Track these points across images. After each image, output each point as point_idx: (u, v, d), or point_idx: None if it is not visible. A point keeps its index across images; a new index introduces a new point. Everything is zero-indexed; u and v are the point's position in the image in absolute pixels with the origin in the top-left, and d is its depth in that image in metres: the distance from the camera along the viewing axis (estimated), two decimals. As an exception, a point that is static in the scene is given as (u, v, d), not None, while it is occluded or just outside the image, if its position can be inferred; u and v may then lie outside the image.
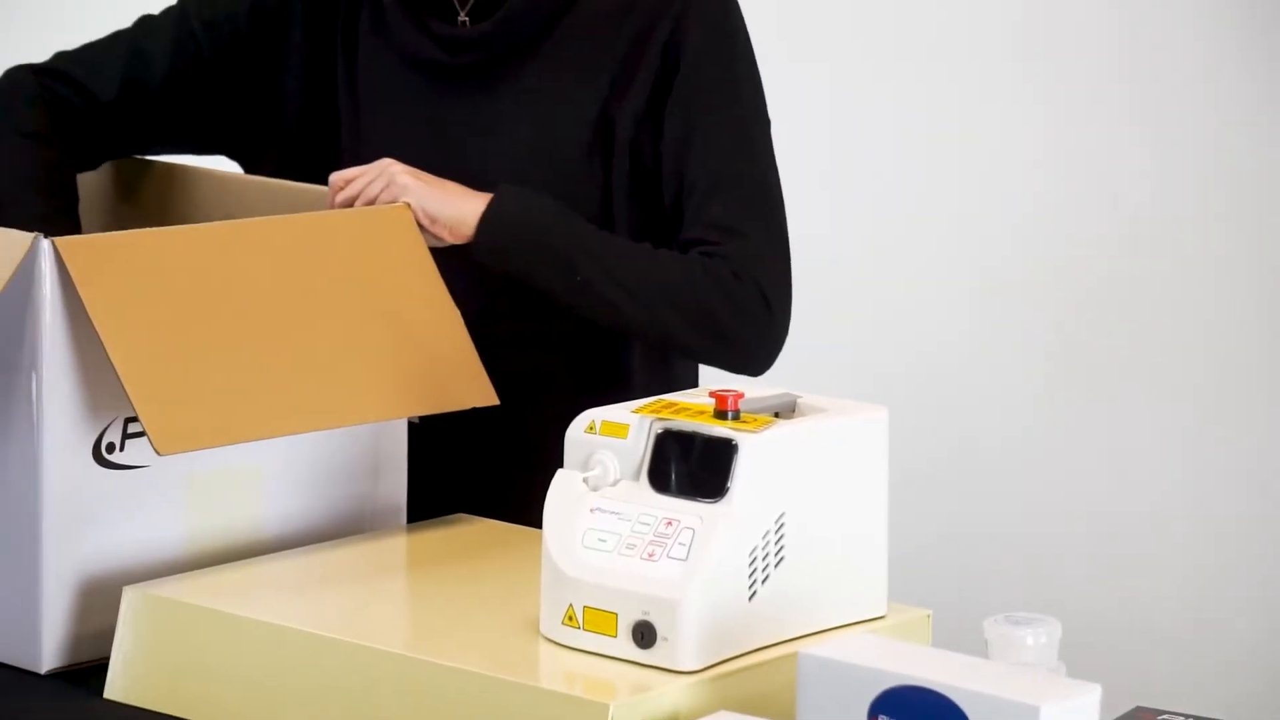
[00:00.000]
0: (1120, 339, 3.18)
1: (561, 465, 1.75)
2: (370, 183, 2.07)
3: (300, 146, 2.24)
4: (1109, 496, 3.17)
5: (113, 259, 1.87)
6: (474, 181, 2.11)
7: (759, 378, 2.13)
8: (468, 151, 2.14)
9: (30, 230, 1.84)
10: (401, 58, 2.18)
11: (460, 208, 2.07)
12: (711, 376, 2.20)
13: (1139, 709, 1.76)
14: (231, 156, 2.30)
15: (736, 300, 2.11)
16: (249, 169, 2.26)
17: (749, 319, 2.12)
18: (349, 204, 2.07)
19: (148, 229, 1.95)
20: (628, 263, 2.10)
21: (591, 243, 2.10)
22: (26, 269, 1.82)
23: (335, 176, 2.09)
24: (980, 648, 1.70)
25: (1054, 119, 3.23)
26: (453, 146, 2.15)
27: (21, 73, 2.23)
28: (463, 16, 2.15)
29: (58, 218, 2.13)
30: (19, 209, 2.12)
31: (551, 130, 2.15)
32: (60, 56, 2.25)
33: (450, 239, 2.08)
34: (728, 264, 2.11)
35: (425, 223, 2.06)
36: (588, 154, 2.15)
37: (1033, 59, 3.23)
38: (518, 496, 2.09)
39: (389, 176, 2.07)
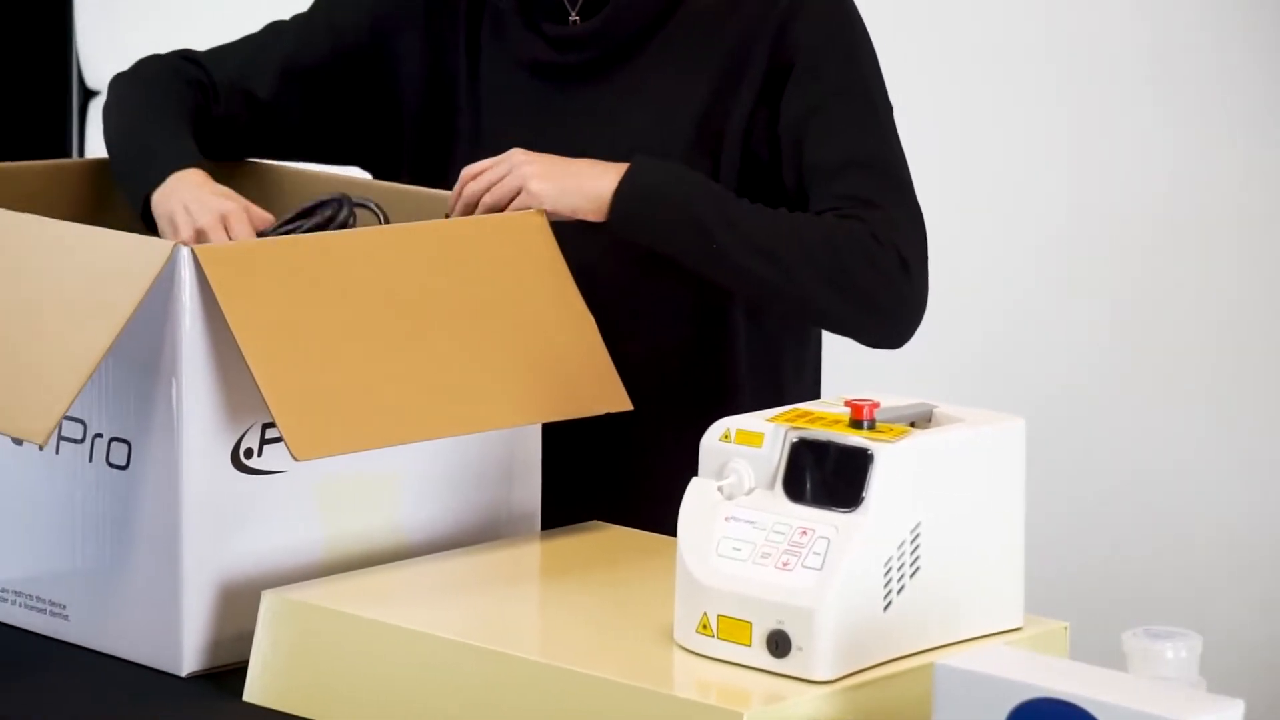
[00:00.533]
0: (1259, 346, 3.15)
1: (695, 473, 1.75)
2: (496, 172, 2.08)
3: (422, 154, 2.25)
4: (1251, 508, 3.13)
5: (251, 266, 1.89)
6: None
7: (893, 387, 2.11)
8: (580, 148, 2.14)
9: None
10: (518, 61, 2.20)
11: (592, 183, 2.08)
12: (836, 382, 2.20)
13: (1280, 723, 1.75)
14: (363, 167, 2.32)
15: (876, 262, 2.10)
16: (380, 178, 2.27)
17: (889, 281, 2.10)
18: (475, 197, 2.08)
19: (285, 236, 1.97)
20: (767, 227, 2.09)
21: (729, 208, 2.10)
22: (167, 276, 1.84)
23: (465, 170, 2.10)
24: (1119, 661, 1.69)
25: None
26: (565, 144, 2.15)
27: (163, 59, 2.27)
28: (573, 16, 2.16)
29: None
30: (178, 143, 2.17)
31: (660, 125, 2.16)
32: (189, 53, 2.28)
33: (586, 216, 2.09)
34: (866, 227, 2.10)
35: (553, 203, 2.07)
36: (696, 148, 2.16)
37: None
38: (651, 504, 2.09)
39: (511, 164, 2.08)
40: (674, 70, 2.16)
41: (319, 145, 2.30)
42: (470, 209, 2.10)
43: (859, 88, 2.16)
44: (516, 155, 2.10)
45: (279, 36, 2.28)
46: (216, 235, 2.03)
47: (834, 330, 2.20)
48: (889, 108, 2.19)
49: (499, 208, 2.08)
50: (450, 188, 2.15)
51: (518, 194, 2.08)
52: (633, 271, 2.16)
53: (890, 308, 2.12)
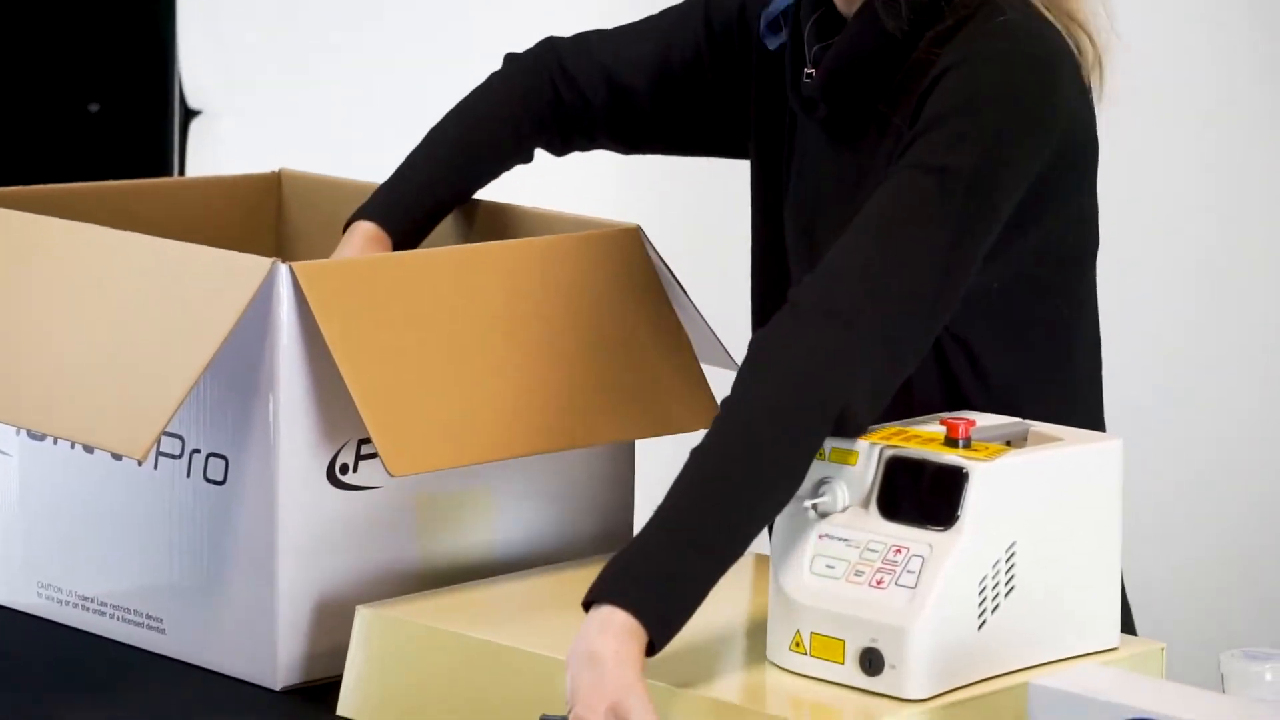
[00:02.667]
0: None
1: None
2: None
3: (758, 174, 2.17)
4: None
5: (348, 283, 1.90)
6: (831, 223, 1.94)
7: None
8: (832, 202, 2.02)
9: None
10: (800, 110, 2.08)
11: (618, 649, 1.67)
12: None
13: (1379, 747, 1.73)
14: (714, 155, 2.26)
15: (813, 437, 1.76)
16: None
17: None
18: None
19: (382, 254, 1.98)
20: (725, 516, 1.73)
21: (683, 547, 1.72)
22: (265, 293, 1.85)
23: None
24: (1216, 683, 1.68)
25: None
26: (826, 196, 2.03)
27: (550, 50, 2.24)
28: (808, 69, 2.03)
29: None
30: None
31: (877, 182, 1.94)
32: (577, 39, 2.25)
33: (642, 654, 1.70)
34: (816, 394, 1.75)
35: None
36: None
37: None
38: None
39: (596, 701, 1.65)
40: (889, 147, 1.95)
41: (674, 137, 2.22)
42: None
43: (924, 169, 1.85)
44: (581, 686, 1.67)
45: (653, 27, 2.22)
46: None
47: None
48: (966, 198, 1.84)
49: None
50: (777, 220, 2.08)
51: None
52: None
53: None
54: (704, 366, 2.09)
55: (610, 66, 2.19)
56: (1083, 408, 2.01)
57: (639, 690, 1.64)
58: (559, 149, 2.25)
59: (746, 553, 2.01)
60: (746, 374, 1.77)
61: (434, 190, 2.19)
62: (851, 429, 1.75)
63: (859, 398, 1.75)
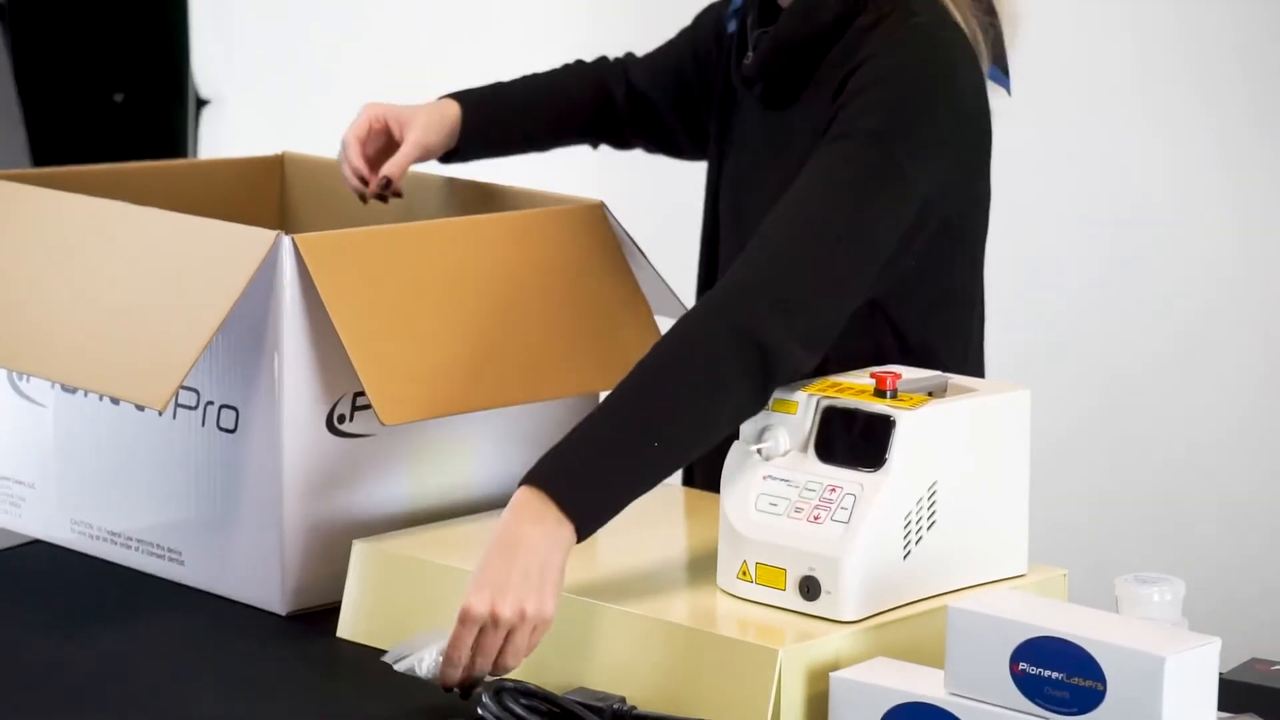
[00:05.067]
0: (1241, 318, 3.13)
1: (736, 438, 1.75)
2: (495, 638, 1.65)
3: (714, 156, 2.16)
4: (1230, 461, 3.12)
5: (344, 252, 1.89)
6: (777, 196, 1.88)
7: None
8: (769, 170, 2.02)
9: None
10: (740, 90, 2.09)
11: (539, 549, 1.66)
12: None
13: (1254, 660, 1.74)
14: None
15: (742, 374, 1.73)
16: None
17: (757, 382, 1.73)
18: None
19: (375, 226, 1.97)
20: (653, 428, 1.71)
21: (615, 428, 1.72)
22: (270, 262, 1.85)
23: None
24: (1111, 604, 1.69)
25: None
26: (762, 165, 2.04)
27: (607, 64, 2.26)
28: (749, 53, 2.04)
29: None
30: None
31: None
32: (631, 58, 2.27)
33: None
34: (726, 321, 1.74)
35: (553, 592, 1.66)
36: None
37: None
38: (696, 465, 2.09)
39: (502, 624, 1.63)
40: (819, 110, 1.94)
41: (679, 144, 2.24)
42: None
43: (864, 135, 1.85)
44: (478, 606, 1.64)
45: (671, 41, 2.25)
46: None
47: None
48: (881, 175, 1.83)
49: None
50: (718, 192, 2.09)
51: (531, 630, 1.65)
52: None
53: (767, 386, 1.74)
54: (663, 319, 2.09)
55: (640, 84, 2.22)
56: (974, 363, 2.05)
57: (553, 582, 1.63)
58: (607, 142, 2.27)
59: (699, 493, 2.02)
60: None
61: (520, 116, 2.21)
62: (778, 370, 1.72)
63: (778, 336, 1.72)
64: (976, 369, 2.06)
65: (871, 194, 1.84)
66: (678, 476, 2.08)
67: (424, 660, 1.64)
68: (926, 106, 1.89)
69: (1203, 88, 3.09)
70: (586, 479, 1.68)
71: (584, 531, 1.67)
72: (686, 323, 1.76)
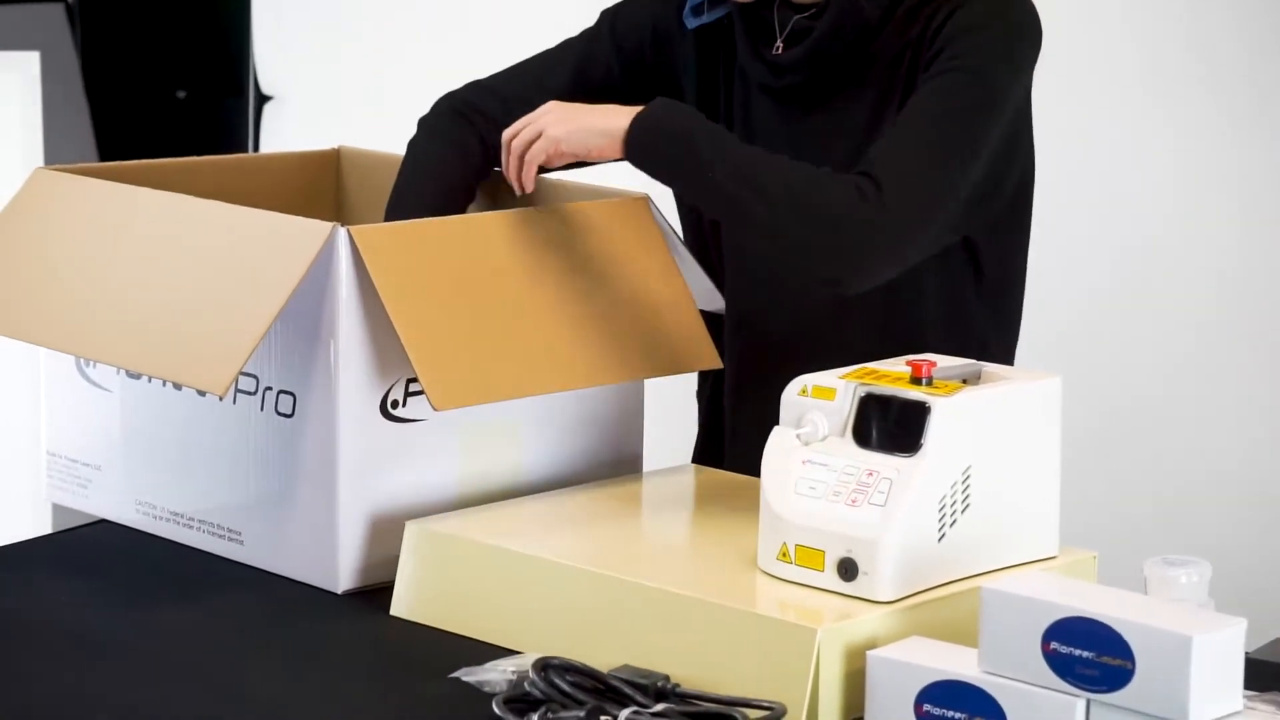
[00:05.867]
0: (1262, 311, 3.11)
1: (776, 424, 1.74)
2: (521, 124, 2.00)
3: None
4: (1259, 450, 3.10)
5: (399, 244, 1.89)
6: None
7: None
8: (808, 156, 1.98)
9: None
10: (752, 81, 2.09)
11: (606, 123, 1.95)
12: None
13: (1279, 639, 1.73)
14: None
15: (846, 188, 1.88)
16: None
17: (851, 201, 1.87)
18: (510, 151, 2.00)
19: (427, 219, 1.97)
20: (760, 165, 1.90)
21: (728, 146, 1.92)
22: (327, 253, 1.84)
23: (506, 132, 2.02)
24: (1139, 586, 1.68)
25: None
26: (799, 152, 1.99)
27: (446, 102, 2.17)
28: (778, 43, 2.05)
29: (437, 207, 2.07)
30: (412, 199, 2.11)
31: (858, 149, 1.98)
32: (474, 87, 2.17)
33: (604, 153, 1.96)
34: (860, 175, 1.90)
35: (569, 145, 1.97)
36: None
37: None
38: (738, 450, 2.09)
39: (535, 114, 1.99)
40: (870, 98, 2.01)
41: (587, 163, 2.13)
42: (512, 160, 2.01)
43: (968, 70, 1.94)
44: (544, 107, 2.00)
45: (567, 51, 2.17)
46: None
47: (806, 265, 1.95)
48: (988, 106, 1.95)
49: (523, 155, 1.99)
50: None
51: (538, 138, 1.98)
52: None
53: (852, 231, 1.88)
54: (703, 311, 2.08)
55: (532, 99, 2.07)
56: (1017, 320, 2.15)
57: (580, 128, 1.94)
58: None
59: (739, 477, 2.01)
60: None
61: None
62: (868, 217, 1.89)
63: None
64: (1016, 326, 2.12)
65: (981, 130, 1.95)
66: (721, 461, 2.08)
67: (490, 673, 1.63)
68: (1022, 42, 1.99)
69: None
70: (671, 111, 1.93)
71: (631, 130, 1.91)
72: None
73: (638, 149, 1.94)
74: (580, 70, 2.16)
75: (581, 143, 1.97)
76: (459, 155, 2.14)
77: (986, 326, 2.10)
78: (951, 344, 1.98)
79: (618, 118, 1.95)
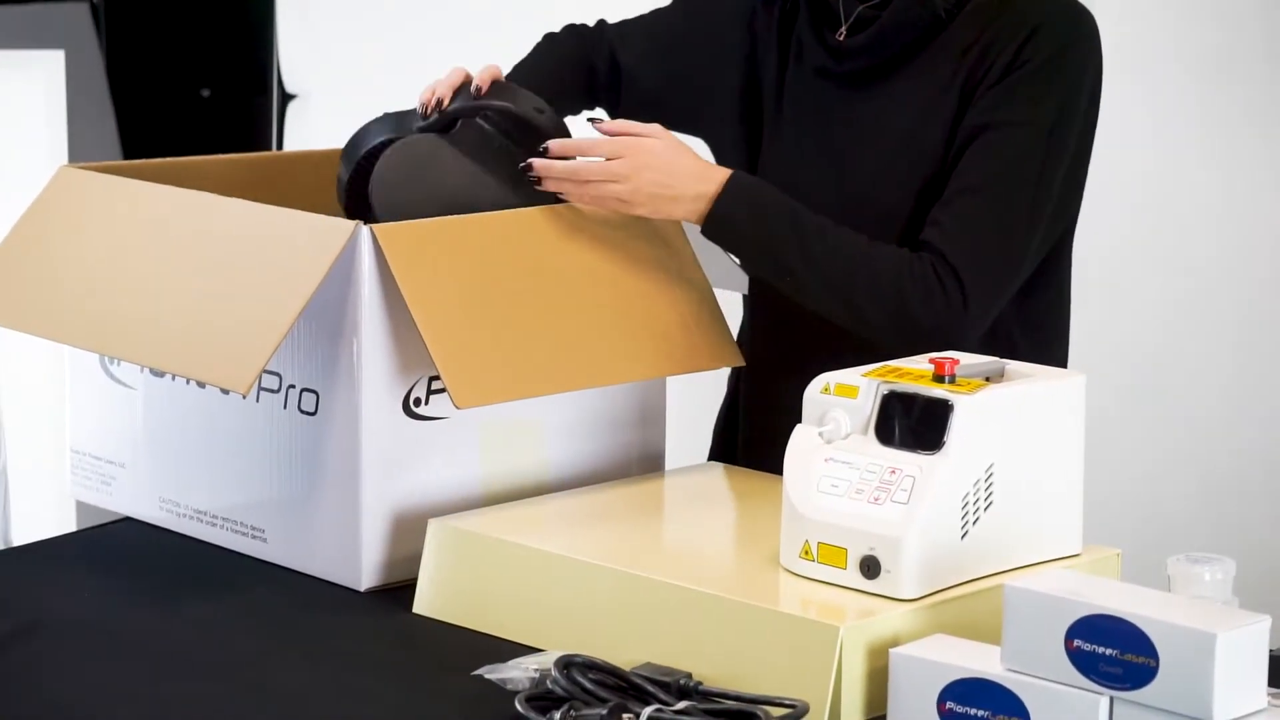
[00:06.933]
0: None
1: (799, 422, 1.74)
2: (591, 172, 1.97)
3: (741, 133, 2.16)
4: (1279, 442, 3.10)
5: (420, 242, 1.89)
6: (849, 171, 2.04)
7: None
8: (852, 147, 2.05)
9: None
10: (810, 65, 2.10)
11: (682, 208, 1.98)
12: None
13: (1305, 638, 1.72)
14: (700, 137, 2.22)
15: (930, 294, 1.94)
16: (717, 154, 2.19)
17: (937, 311, 1.95)
18: (564, 177, 1.98)
19: (449, 217, 1.97)
20: (841, 266, 1.95)
21: (809, 244, 1.96)
22: (349, 252, 1.85)
23: (559, 145, 1.99)
24: (1163, 583, 1.67)
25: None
26: (842, 142, 2.06)
27: (571, 28, 2.24)
28: (842, 29, 2.06)
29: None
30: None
31: (917, 133, 2.02)
32: (611, 29, 2.23)
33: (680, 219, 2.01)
34: (933, 260, 1.95)
35: (646, 214, 1.99)
36: (944, 156, 2.01)
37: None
38: (760, 448, 2.08)
39: (620, 173, 1.97)
40: (931, 84, 2.02)
41: (664, 113, 2.14)
42: (575, 187, 1.99)
43: (1024, 121, 1.96)
44: (617, 168, 1.96)
45: (654, 13, 2.23)
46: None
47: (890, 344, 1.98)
48: (1060, 149, 1.98)
49: (592, 190, 1.97)
50: (755, 169, 2.09)
51: (615, 185, 1.97)
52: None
53: (936, 333, 1.95)
54: (724, 292, 2.07)
55: (626, 61, 2.18)
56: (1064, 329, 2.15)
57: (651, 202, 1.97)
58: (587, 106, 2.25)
59: (762, 475, 2.01)
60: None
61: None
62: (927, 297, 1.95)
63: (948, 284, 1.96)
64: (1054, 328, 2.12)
65: (1052, 182, 1.98)
66: (742, 459, 2.07)
67: (513, 671, 1.63)
68: (1085, 85, 2.00)
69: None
70: (750, 211, 1.96)
71: (707, 223, 1.96)
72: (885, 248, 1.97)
73: (714, 234, 1.99)
74: (650, 30, 2.20)
75: (655, 211, 1.99)
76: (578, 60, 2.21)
77: (1012, 325, 2.09)
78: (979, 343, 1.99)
79: (692, 203, 1.98)
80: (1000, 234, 1.97)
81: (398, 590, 1.87)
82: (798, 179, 2.05)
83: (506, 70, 2.17)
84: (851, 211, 2.00)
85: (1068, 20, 2.01)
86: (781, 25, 2.13)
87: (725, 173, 1.98)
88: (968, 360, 1.75)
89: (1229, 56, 3.06)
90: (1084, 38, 2.01)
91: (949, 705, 1.50)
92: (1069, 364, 2.14)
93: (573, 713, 1.55)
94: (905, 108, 2.02)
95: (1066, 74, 1.99)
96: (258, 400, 1.95)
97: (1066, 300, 2.12)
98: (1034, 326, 2.08)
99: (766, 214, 1.98)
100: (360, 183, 2.01)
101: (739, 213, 1.97)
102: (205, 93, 4.00)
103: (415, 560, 1.85)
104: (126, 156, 3.84)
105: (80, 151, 3.82)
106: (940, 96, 2.01)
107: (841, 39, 2.05)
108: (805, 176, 2.05)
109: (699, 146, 2.13)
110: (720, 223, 1.98)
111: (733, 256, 2.03)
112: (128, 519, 2.09)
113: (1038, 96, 1.97)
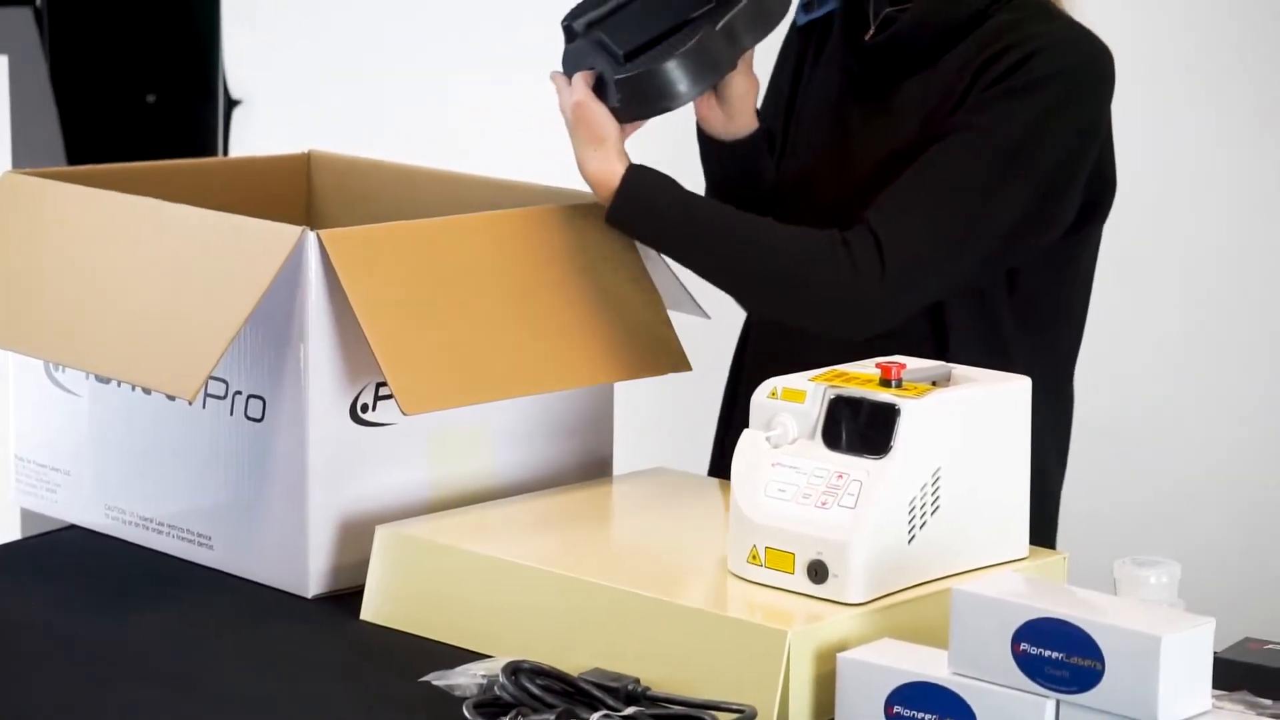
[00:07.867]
0: (1242, 317, 3.12)
1: (746, 426, 1.74)
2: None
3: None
4: (1228, 453, 3.11)
5: (367, 247, 1.89)
6: (857, 170, 2.05)
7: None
8: (864, 145, 2.06)
9: None
10: (838, 64, 2.12)
11: (590, 178, 2.03)
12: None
13: (1248, 639, 1.74)
14: None
15: (839, 261, 1.94)
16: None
17: (843, 275, 1.93)
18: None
19: (397, 222, 1.97)
20: (728, 251, 1.98)
21: (698, 232, 1.99)
22: (296, 257, 1.84)
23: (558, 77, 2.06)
24: (1109, 586, 1.68)
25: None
26: (856, 139, 2.07)
27: None
28: (870, 32, 2.08)
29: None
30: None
31: (917, 137, 2.01)
32: None
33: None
34: (857, 228, 1.94)
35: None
36: None
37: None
38: (709, 453, 2.08)
39: (565, 109, 2.04)
40: (938, 92, 2.02)
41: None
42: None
43: (987, 132, 1.95)
44: (571, 108, 2.03)
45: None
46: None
47: (784, 319, 2.04)
48: (1024, 167, 1.95)
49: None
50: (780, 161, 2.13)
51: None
52: None
53: (843, 300, 1.95)
54: (674, 314, 2.08)
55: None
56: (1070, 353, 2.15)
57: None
58: None
59: (709, 479, 2.01)
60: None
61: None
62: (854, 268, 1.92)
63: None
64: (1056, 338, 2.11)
65: (996, 203, 1.96)
66: (698, 466, 2.08)
67: (461, 677, 1.63)
68: (1071, 113, 1.98)
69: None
70: (655, 196, 1.99)
71: (613, 208, 1.99)
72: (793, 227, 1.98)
73: (619, 220, 2.01)
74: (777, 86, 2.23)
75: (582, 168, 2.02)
76: None
77: (1011, 332, 2.09)
78: (976, 352, 2.00)
79: (602, 177, 2.01)
80: (931, 224, 1.95)
81: (345, 597, 1.86)
82: (808, 176, 2.08)
83: None
84: (857, 211, 2.00)
85: (1073, 51, 1.98)
86: (821, 32, 2.16)
87: (618, 175, 2.01)
88: (914, 364, 1.76)
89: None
90: (1083, 70, 1.98)
91: (896, 709, 1.50)
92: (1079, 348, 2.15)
93: (520, 719, 1.54)
94: (913, 112, 2.03)
95: (1049, 100, 1.96)
96: (204, 407, 1.94)
97: (1071, 314, 2.12)
98: (1033, 330, 2.08)
99: (665, 194, 2.00)
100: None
101: (644, 184, 2.00)
102: (150, 98, 3.98)
103: (363, 567, 1.85)
104: (71, 162, 3.82)
105: (24, 157, 3.80)
106: (943, 104, 2.01)
107: (867, 39, 2.07)
108: (816, 174, 2.08)
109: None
110: (625, 204, 2.00)
111: (630, 234, 2.04)
112: (73, 527, 2.08)
113: (1010, 113, 1.95)
